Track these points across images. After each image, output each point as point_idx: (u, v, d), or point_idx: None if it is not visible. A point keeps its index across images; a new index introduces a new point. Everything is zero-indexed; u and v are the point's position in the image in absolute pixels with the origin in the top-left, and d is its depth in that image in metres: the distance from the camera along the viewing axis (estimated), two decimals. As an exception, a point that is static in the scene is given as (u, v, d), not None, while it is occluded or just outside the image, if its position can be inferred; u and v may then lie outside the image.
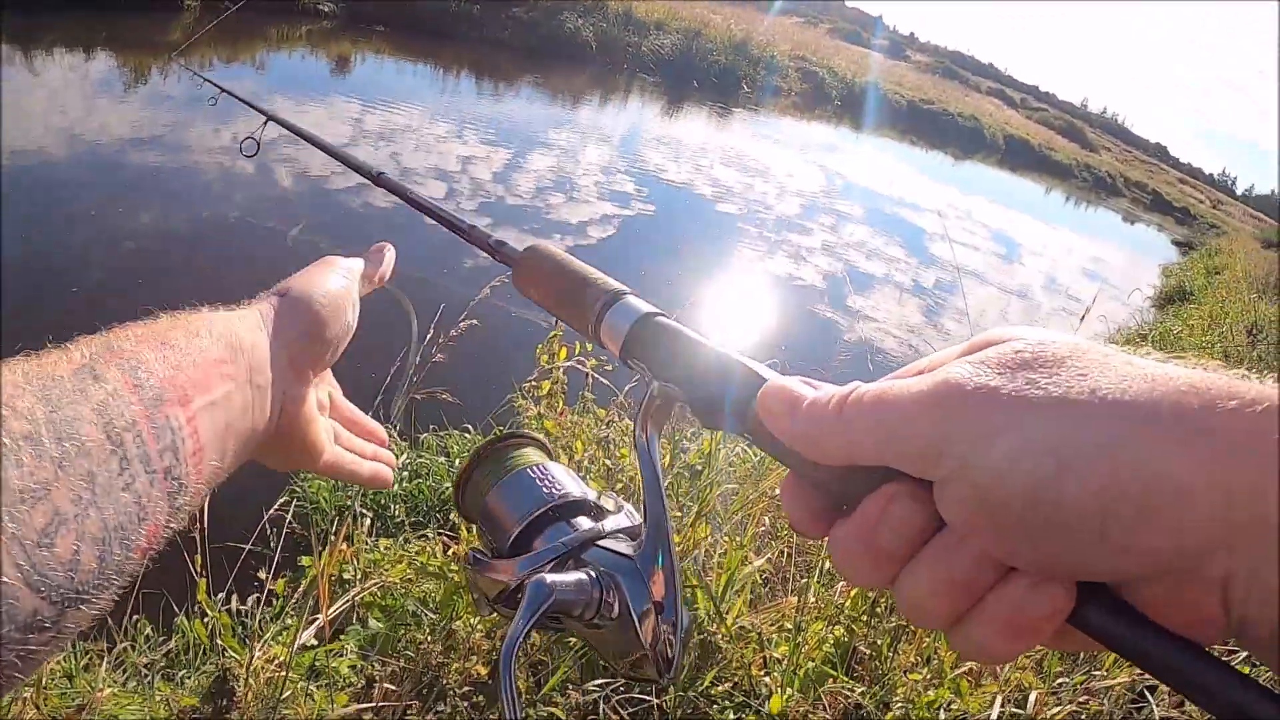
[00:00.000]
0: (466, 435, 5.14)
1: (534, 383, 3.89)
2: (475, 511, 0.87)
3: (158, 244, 8.40)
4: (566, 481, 0.85)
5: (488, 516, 0.85)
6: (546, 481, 0.84)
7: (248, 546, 3.55)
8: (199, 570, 2.88)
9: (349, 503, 4.38)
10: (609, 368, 3.97)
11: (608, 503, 0.84)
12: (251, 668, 2.70)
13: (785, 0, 73.84)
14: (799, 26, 48.85)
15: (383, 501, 4.36)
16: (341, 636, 3.15)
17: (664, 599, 0.69)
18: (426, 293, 7.99)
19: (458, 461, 4.74)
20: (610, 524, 0.80)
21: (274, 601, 3.37)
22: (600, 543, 0.77)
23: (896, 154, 27.61)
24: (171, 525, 0.67)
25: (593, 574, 0.70)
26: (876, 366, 8.24)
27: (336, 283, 0.93)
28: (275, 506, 4.43)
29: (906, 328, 10.17)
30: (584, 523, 0.80)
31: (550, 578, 0.67)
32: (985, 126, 44.08)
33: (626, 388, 4.22)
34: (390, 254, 1.08)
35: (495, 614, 0.80)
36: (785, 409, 0.58)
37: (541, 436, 0.92)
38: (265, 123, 2.11)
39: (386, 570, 3.40)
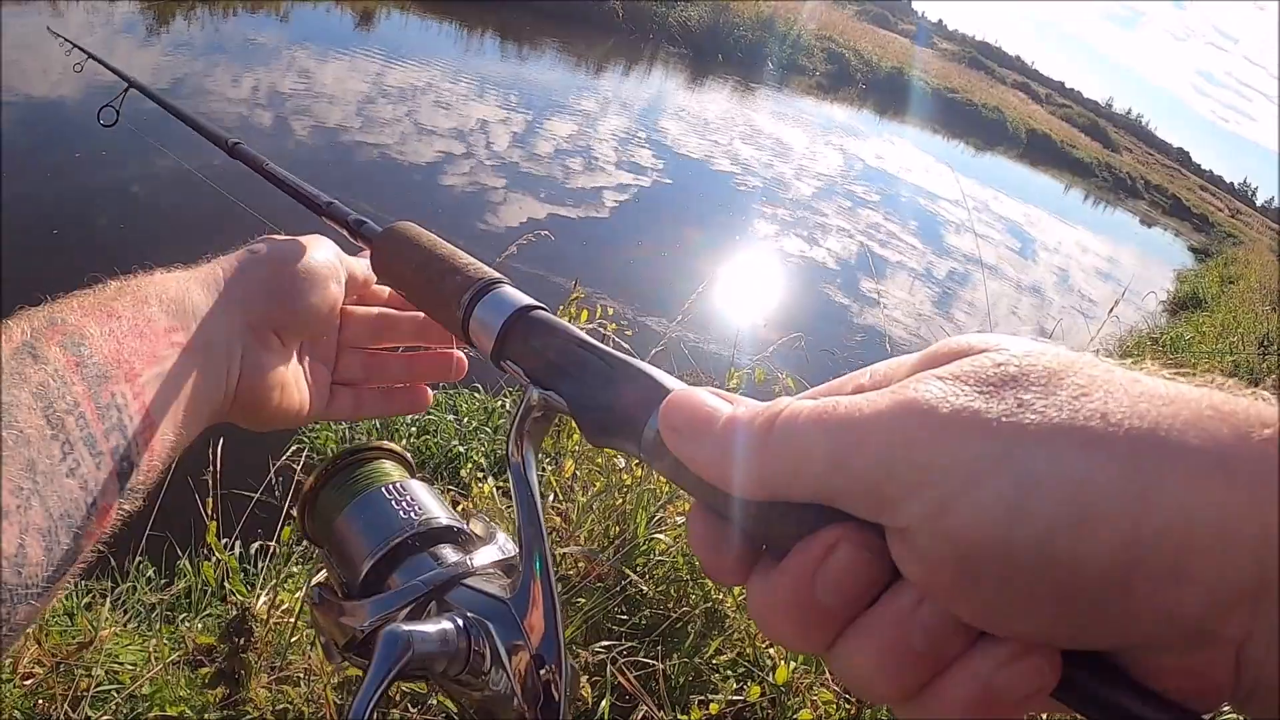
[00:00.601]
0: (477, 395, 5.12)
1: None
2: (323, 537, 0.74)
3: (167, 188, 8.36)
4: (429, 503, 0.73)
5: (337, 544, 0.72)
6: (404, 504, 0.71)
7: (256, 496, 3.49)
8: (209, 513, 2.84)
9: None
10: (629, 333, 3.91)
11: (478, 527, 0.73)
12: (256, 613, 2.66)
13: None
14: (827, 6, 48.47)
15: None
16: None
17: (543, 648, 0.59)
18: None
19: (466, 420, 4.76)
20: (480, 558, 0.68)
21: (278, 551, 3.33)
22: (467, 581, 0.65)
23: (917, 141, 27.45)
24: (125, 506, 0.62)
25: (459, 621, 0.58)
26: (881, 356, 8.18)
27: (321, 254, 0.83)
28: (285, 456, 4.47)
29: (916, 315, 10.12)
30: (449, 555, 0.68)
31: (407, 627, 0.55)
32: (1008, 119, 43.85)
33: (654, 351, 4.09)
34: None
35: (346, 663, 0.68)
36: (694, 427, 0.47)
37: (401, 448, 0.79)
38: (126, 90, 2.06)
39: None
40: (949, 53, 70.98)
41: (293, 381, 0.83)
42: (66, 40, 2.97)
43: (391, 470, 0.75)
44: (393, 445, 0.79)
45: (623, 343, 3.81)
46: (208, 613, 3.17)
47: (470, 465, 4.12)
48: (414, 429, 4.62)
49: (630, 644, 2.78)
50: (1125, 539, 0.34)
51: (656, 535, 3.12)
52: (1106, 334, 7.42)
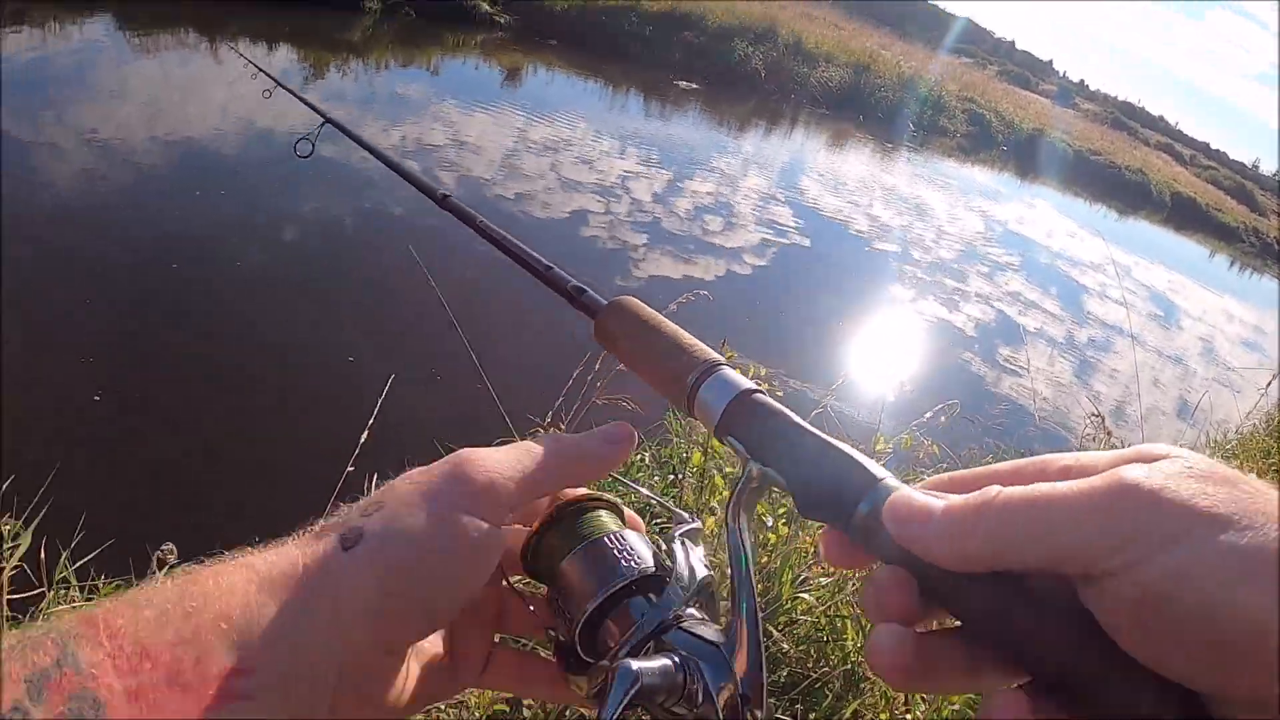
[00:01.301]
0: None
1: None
2: (547, 575, 0.77)
3: (315, 236, 8.53)
4: (644, 552, 0.76)
5: (562, 584, 0.76)
6: (625, 553, 0.75)
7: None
8: None
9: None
10: (779, 393, 3.78)
11: (679, 552, 0.76)
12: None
13: (956, 40, 73.06)
14: (968, 67, 47.95)
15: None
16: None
17: (748, 689, 0.65)
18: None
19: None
20: (690, 604, 0.73)
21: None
22: (682, 624, 0.70)
23: (1059, 204, 26.79)
24: None
25: (676, 659, 0.65)
26: (1021, 426, 7.94)
27: (472, 533, 0.62)
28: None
29: (1056, 384, 9.77)
30: (666, 597, 0.72)
31: (637, 664, 0.62)
32: (1152, 182, 42.55)
33: (812, 413, 3.99)
34: (622, 446, 0.78)
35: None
36: (918, 519, 0.54)
37: (614, 498, 0.82)
38: (322, 125, 2.04)
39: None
40: (1091, 113, 69.56)
41: (403, 681, 0.66)
42: (256, 66, 3.04)
43: (609, 521, 0.79)
44: (610, 496, 0.82)
45: (780, 406, 3.70)
46: None
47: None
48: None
49: (770, 700, 2.70)
50: (1261, 612, 0.42)
51: (801, 595, 3.18)
52: (1253, 405, 7.03)
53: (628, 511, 0.81)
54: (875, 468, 0.60)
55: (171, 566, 3.00)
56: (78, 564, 3.07)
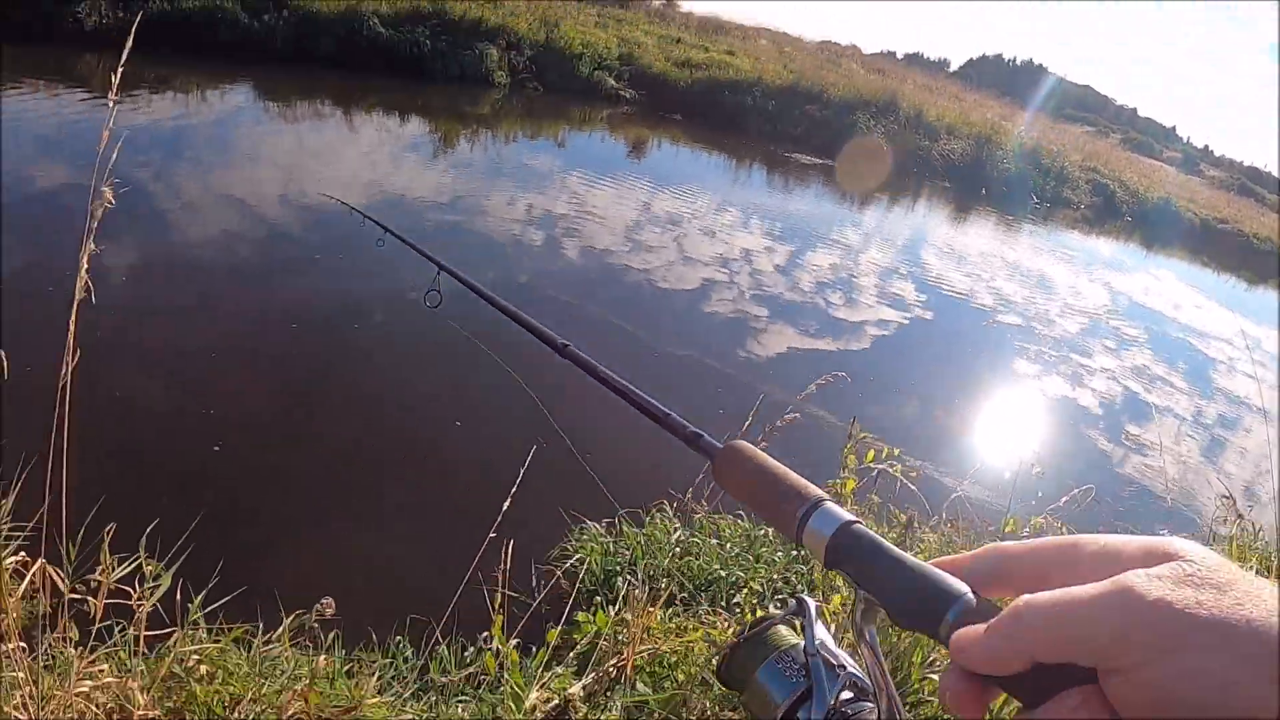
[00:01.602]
0: (740, 522, 5.04)
1: (841, 479, 3.72)
2: (740, 685, 0.93)
3: (444, 298, 8.69)
4: (820, 658, 0.88)
5: (754, 691, 0.90)
6: (802, 663, 0.88)
7: (534, 604, 3.75)
8: (497, 608, 3.07)
9: (618, 570, 4.46)
10: (914, 474, 3.78)
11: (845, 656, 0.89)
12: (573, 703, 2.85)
13: (1078, 109, 71.89)
14: (1090, 136, 47.02)
15: (652, 574, 4.28)
16: (609, 694, 3.24)
17: None
18: (745, 389, 8.00)
19: (729, 545, 4.71)
20: (854, 700, 0.86)
21: (531, 649, 3.47)
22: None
23: (1185, 275, 25.90)
24: None
25: None
26: (1149, 508, 7.71)
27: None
28: (547, 561, 4.64)
29: (1183, 464, 9.41)
30: (840, 698, 0.85)
31: None
32: (1282, 250, 41.09)
33: (948, 500, 3.99)
34: None
35: None
36: (971, 645, 0.61)
37: (794, 618, 0.95)
38: (439, 273, 2.24)
39: (659, 639, 3.39)
40: (1216, 180, 67.45)
41: None
42: (364, 215, 3.23)
43: (788, 635, 0.93)
44: (788, 614, 0.94)
45: (909, 484, 3.67)
46: (460, 697, 3.34)
47: (746, 591, 4.02)
48: (678, 549, 4.58)
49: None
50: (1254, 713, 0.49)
51: (929, 675, 3.16)
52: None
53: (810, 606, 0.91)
54: (955, 583, 0.68)
55: (328, 620, 3.11)
56: (209, 608, 3.16)
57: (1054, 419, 9.65)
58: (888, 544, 0.75)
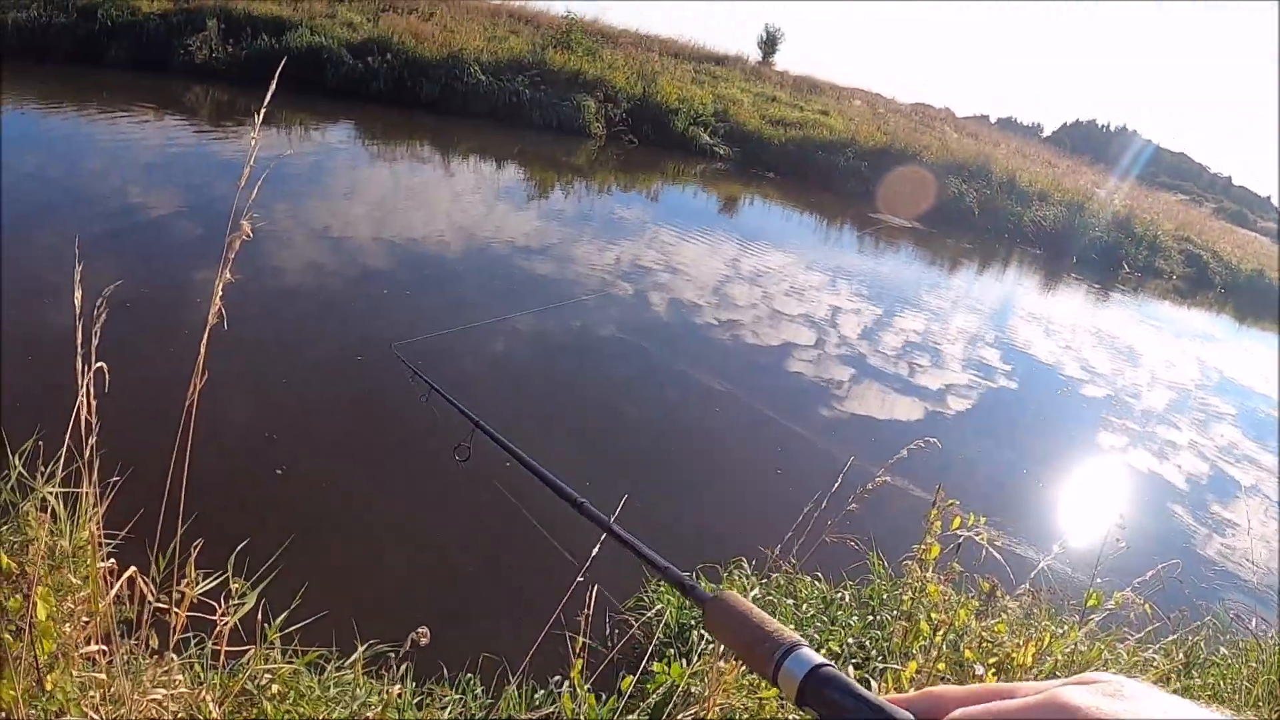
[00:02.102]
0: (817, 584, 5.00)
1: (925, 545, 3.67)
2: None
3: (525, 344, 8.78)
4: None
5: None
6: None
7: (611, 653, 3.74)
8: (577, 652, 3.08)
9: (693, 624, 4.43)
10: (999, 542, 3.71)
11: None
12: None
13: (1171, 177, 70.62)
14: (1183, 204, 46.00)
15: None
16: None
17: None
18: (824, 453, 7.96)
19: (804, 606, 4.67)
20: None
21: (602, 697, 3.47)
22: None
23: (1277, 349, 25.19)
24: None
25: None
26: (1232, 589, 7.47)
27: None
28: (622, 611, 4.64)
29: (1268, 545, 9.11)
30: None
31: None
32: (1383, 323, 39.67)
33: (1033, 572, 3.92)
34: None
35: None
36: None
37: None
38: (473, 431, 2.32)
39: (733, 694, 3.36)
40: (1312, 252, 65.67)
41: None
42: (413, 369, 3.35)
43: None
44: None
45: (994, 552, 3.60)
46: None
47: (824, 652, 3.95)
48: (756, 602, 4.49)
49: None
50: None
51: None
52: None
53: None
54: (903, 713, 0.73)
55: (410, 656, 3.14)
56: (287, 629, 3.20)
57: (1138, 493, 9.43)
58: (853, 682, 0.81)
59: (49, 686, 2.25)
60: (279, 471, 5.70)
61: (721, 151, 24.30)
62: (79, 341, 2.15)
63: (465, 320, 8.75)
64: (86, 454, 2.31)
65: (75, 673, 2.42)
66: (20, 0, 18.23)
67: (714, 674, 3.16)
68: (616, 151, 21.90)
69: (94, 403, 2.22)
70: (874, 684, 3.29)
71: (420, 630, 2.99)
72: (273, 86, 2.48)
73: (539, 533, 5.74)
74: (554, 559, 4.67)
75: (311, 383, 7.10)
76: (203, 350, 2.26)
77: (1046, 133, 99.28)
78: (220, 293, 2.24)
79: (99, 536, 2.50)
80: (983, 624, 3.56)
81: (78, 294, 2.16)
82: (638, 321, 10.13)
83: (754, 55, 40.80)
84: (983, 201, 24.89)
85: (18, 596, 2.20)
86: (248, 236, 2.16)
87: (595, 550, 2.90)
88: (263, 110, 2.39)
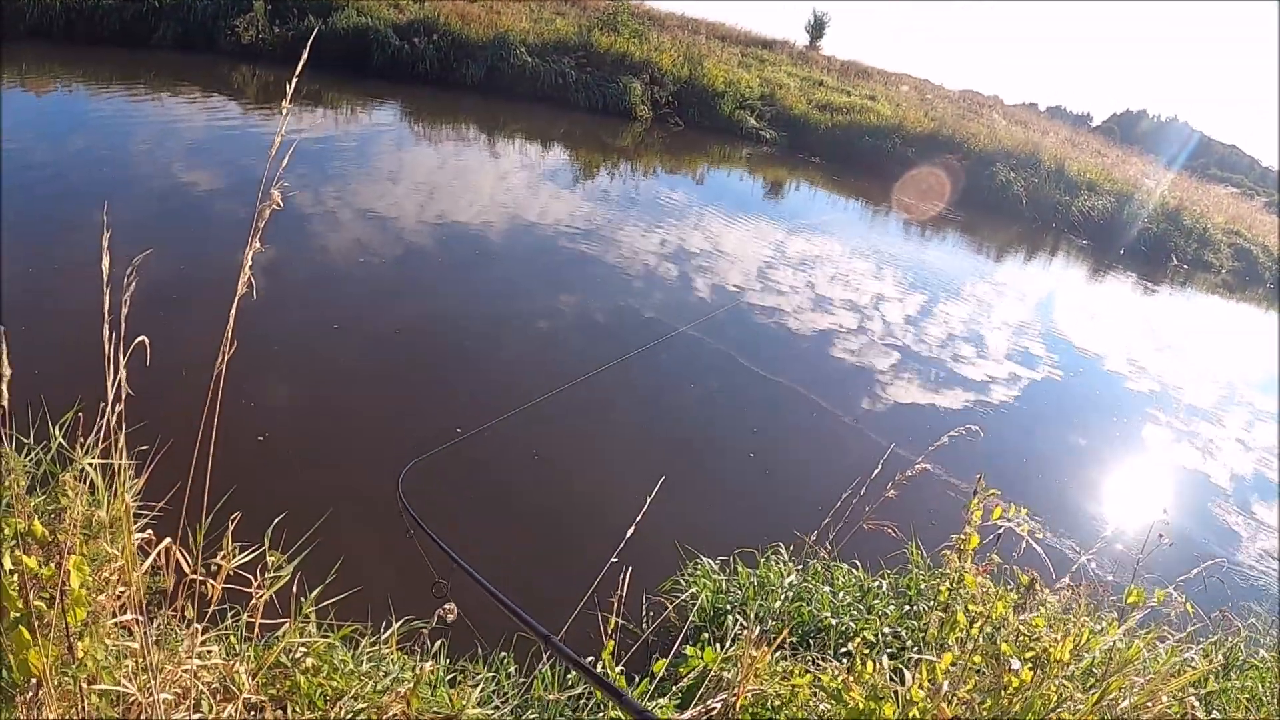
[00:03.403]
0: (855, 571, 4.96)
1: (965, 535, 3.63)
2: None
3: (570, 327, 8.77)
4: None
5: None
6: None
7: (645, 635, 3.72)
8: (609, 633, 3.09)
9: (728, 608, 4.40)
10: (1038, 535, 3.65)
11: None
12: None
13: (1221, 169, 69.48)
14: (1234, 197, 45.09)
15: (762, 615, 4.23)
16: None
17: None
18: (868, 439, 7.91)
19: (840, 594, 4.63)
20: None
21: (634, 678, 3.48)
22: None
23: None
24: None
25: None
26: (1273, 592, 7.36)
27: None
28: (658, 592, 4.67)
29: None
30: None
31: None
32: None
33: (1069, 570, 3.87)
34: None
35: None
36: None
37: None
38: (452, 569, 2.36)
39: (765, 681, 3.33)
40: (1366, 243, 64.42)
41: None
42: (404, 504, 3.42)
43: None
44: None
45: (1035, 544, 3.54)
46: (561, 717, 3.40)
47: (859, 641, 3.91)
48: (790, 593, 4.52)
49: None
50: None
51: None
52: None
53: None
54: None
55: (451, 624, 3.15)
56: (322, 604, 3.21)
57: (1182, 490, 9.29)
58: None
59: (80, 654, 2.25)
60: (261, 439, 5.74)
61: (768, 135, 24.22)
62: (105, 310, 2.15)
63: (510, 301, 8.81)
64: (112, 422, 2.31)
65: (108, 641, 2.43)
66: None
67: (746, 659, 3.13)
68: (663, 134, 21.85)
69: (123, 372, 2.22)
70: (908, 674, 3.25)
71: (448, 606, 3.00)
72: (304, 57, 2.46)
73: (577, 512, 5.76)
74: (590, 538, 4.66)
75: (351, 362, 7.13)
76: (231, 319, 2.25)
77: (1096, 122, 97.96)
78: (250, 262, 2.23)
79: (131, 507, 2.50)
80: (1020, 618, 3.52)
81: (105, 260, 2.16)
82: (682, 302, 10.09)
83: (801, 40, 40.70)
84: (1030, 190, 24.58)
85: (50, 565, 2.21)
86: (278, 206, 2.14)
87: (648, 502, 2.89)
88: (294, 80, 2.38)
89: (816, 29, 41.80)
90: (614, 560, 3.07)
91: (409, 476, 4.65)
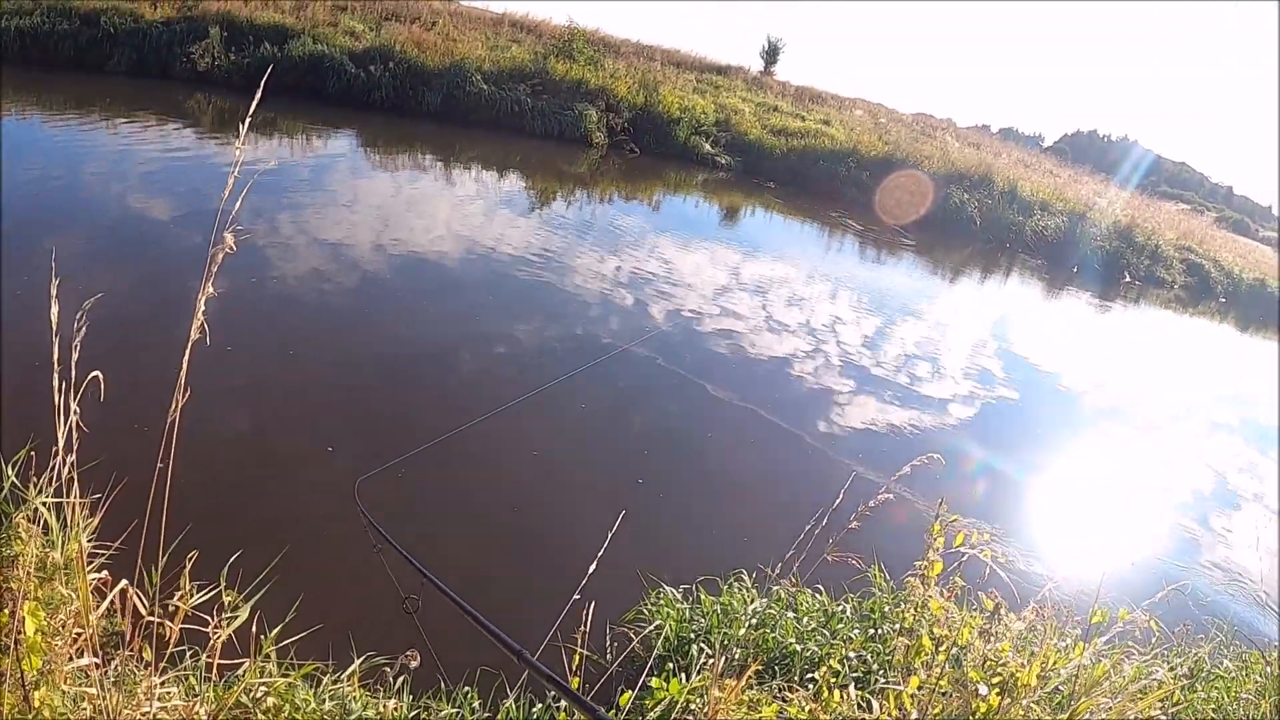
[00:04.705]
0: (818, 595, 4.95)
1: (928, 561, 3.64)
2: None
3: (531, 355, 8.75)
4: None
5: None
6: None
7: (611, 667, 3.70)
8: (573, 670, 3.02)
9: (693, 637, 4.38)
10: (1000, 558, 3.67)
11: None
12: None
13: (1172, 186, 70.53)
14: (1185, 214, 45.78)
15: (727, 644, 4.22)
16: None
17: None
18: (832, 464, 7.92)
19: (805, 619, 4.62)
20: None
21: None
22: None
23: None
24: None
25: None
26: (1236, 602, 7.43)
27: None
28: (622, 623, 4.70)
29: (1274, 558, 9.04)
30: None
31: None
32: (1384, 333, 39.48)
33: (1039, 594, 3.89)
34: None
35: None
36: None
37: None
38: (424, 584, 2.37)
39: (733, 711, 3.33)
40: (1314, 261, 65.52)
41: None
42: (367, 517, 3.43)
43: None
44: None
45: (999, 570, 3.56)
46: None
47: (825, 669, 3.89)
48: (754, 620, 4.49)
49: None
50: None
51: None
52: None
53: None
54: None
55: (413, 671, 3.13)
56: (282, 642, 3.17)
57: (1143, 505, 9.38)
58: None
59: (36, 703, 2.22)
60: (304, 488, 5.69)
61: (723, 161, 24.36)
62: (55, 358, 2.13)
63: (466, 326, 8.79)
64: (63, 468, 2.29)
65: (65, 687, 2.39)
66: (23, 7, 18.30)
67: (712, 697, 3.13)
68: (618, 160, 21.91)
69: (74, 416, 2.20)
70: (875, 703, 3.26)
71: (409, 653, 2.98)
72: (258, 95, 2.45)
73: (537, 541, 5.74)
74: (551, 571, 4.65)
75: (309, 389, 7.09)
76: (184, 366, 2.24)
77: (1048, 143, 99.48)
78: (202, 308, 2.21)
79: (86, 548, 2.47)
80: (987, 645, 3.54)
81: (54, 309, 2.14)
82: (637, 330, 10.09)
83: (756, 65, 40.96)
84: (984, 211, 24.87)
85: (4, 612, 2.17)
86: (231, 249, 2.13)
87: (610, 537, 2.89)
88: (248, 119, 2.37)
89: (771, 55, 42.09)
90: (576, 597, 3.06)
91: (365, 495, 4.60)
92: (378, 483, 5.13)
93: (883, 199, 23.99)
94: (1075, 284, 23.13)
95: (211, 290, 2.23)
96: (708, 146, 24.29)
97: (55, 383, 2.15)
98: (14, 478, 2.89)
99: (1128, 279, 25.86)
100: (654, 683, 3.42)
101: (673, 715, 3.26)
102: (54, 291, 2.14)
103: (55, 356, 2.13)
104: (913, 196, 24.04)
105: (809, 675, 4.01)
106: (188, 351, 2.23)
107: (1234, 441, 13.02)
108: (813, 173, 24.75)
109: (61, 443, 2.20)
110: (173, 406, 2.25)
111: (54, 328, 2.13)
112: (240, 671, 2.96)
